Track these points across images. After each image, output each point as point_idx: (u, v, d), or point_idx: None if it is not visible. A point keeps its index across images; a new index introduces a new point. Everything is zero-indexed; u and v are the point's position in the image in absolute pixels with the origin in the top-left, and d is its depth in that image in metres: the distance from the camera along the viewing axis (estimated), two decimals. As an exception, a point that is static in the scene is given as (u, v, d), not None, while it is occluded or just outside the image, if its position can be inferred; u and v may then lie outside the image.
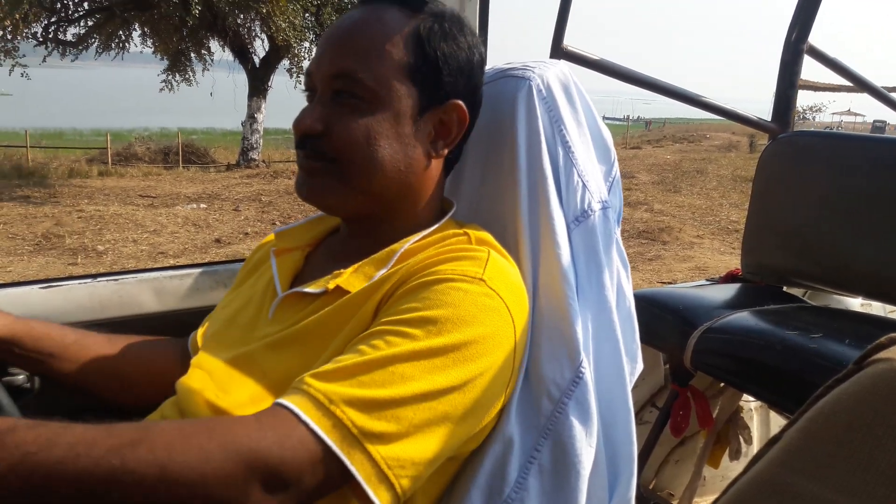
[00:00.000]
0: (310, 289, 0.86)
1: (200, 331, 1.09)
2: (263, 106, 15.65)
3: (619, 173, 1.07)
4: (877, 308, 1.86)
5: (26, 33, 13.41)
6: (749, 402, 1.80)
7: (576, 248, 0.96)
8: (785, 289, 1.83)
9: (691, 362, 1.47)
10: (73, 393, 1.27)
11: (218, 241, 8.95)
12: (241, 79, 15.36)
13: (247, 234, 9.41)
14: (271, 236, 1.06)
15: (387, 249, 0.86)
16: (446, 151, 0.91)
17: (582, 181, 0.97)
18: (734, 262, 7.63)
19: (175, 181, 13.72)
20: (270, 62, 15.45)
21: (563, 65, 1.03)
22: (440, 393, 0.71)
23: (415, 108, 0.87)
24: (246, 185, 13.13)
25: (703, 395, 1.63)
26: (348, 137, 0.84)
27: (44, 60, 14.45)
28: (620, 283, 1.03)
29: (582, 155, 0.99)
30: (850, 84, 2.15)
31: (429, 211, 0.93)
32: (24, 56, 13.70)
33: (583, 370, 0.91)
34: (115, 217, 9.87)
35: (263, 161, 16.14)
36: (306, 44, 14.88)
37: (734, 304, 1.61)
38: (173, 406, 0.90)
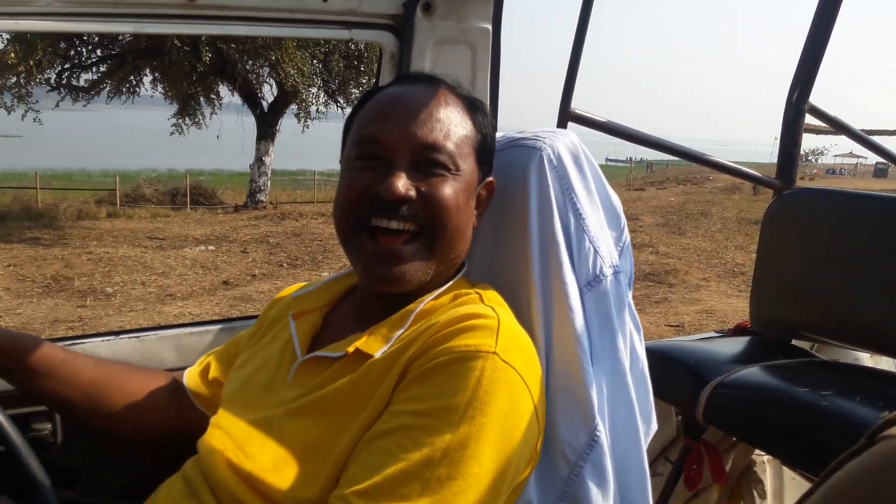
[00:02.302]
0: (329, 353, 0.88)
1: (197, 369, 1.12)
2: (271, 149, 15.86)
3: (629, 239, 1.10)
4: (887, 362, 1.87)
5: (40, 79, 13.67)
6: (762, 456, 1.79)
7: (589, 312, 0.98)
8: (793, 342, 1.84)
9: (703, 417, 1.48)
10: (95, 444, 1.28)
11: (226, 283, 8.99)
12: (248, 122, 15.60)
13: (254, 275, 9.44)
14: (285, 291, 1.09)
15: (402, 311, 0.89)
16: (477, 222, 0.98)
17: (593, 247, 1.00)
18: (741, 305, 7.58)
19: (183, 223, 13.82)
20: (279, 107, 15.71)
21: (573, 135, 1.07)
22: (478, 479, 0.73)
23: (476, 182, 0.94)
24: (253, 226, 13.22)
25: (716, 448, 1.64)
26: (444, 203, 0.87)
27: (56, 105, 14.72)
28: (633, 345, 1.05)
29: (593, 221, 1.01)
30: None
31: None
32: (37, 101, 13.95)
33: (598, 433, 0.93)
34: (123, 259, 9.93)
35: (271, 203, 16.29)
36: (314, 89, 15.16)
37: (744, 359, 1.62)
38: (195, 466, 0.91)
